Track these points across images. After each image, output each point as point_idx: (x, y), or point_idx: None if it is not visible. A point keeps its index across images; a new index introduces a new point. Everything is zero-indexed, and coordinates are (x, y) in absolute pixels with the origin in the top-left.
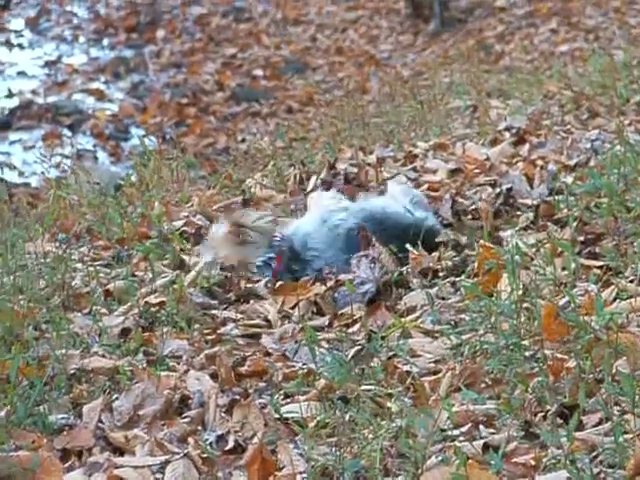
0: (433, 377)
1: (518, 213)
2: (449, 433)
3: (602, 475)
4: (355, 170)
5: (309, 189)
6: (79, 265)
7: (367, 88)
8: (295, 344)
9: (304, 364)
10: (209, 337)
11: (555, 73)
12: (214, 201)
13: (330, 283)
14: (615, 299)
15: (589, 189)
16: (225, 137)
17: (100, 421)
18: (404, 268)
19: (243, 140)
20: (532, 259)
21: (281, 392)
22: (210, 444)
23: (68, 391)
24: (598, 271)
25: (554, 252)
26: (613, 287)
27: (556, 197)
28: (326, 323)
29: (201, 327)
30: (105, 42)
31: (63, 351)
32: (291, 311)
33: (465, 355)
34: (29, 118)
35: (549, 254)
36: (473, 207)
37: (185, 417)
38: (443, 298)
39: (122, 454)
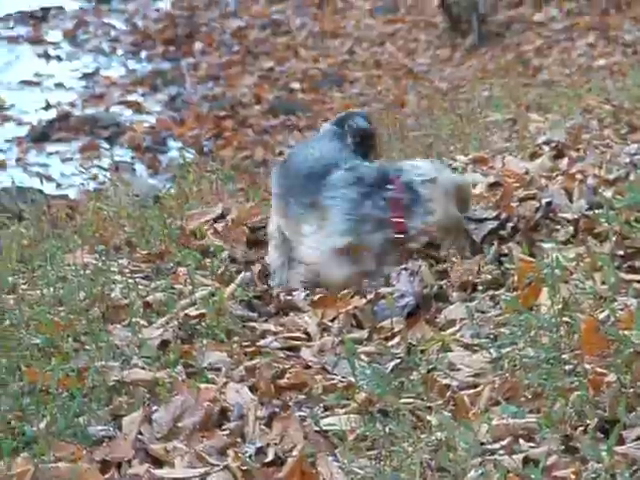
0: (473, 391)
1: (558, 227)
2: (489, 447)
3: None
4: None
5: None
6: (118, 277)
7: (405, 101)
8: (335, 357)
9: (344, 377)
10: (248, 349)
11: (594, 87)
12: (253, 214)
13: (370, 296)
14: None
15: (629, 203)
16: (263, 150)
17: (140, 433)
18: (443, 282)
19: (281, 153)
20: (572, 273)
21: (321, 405)
22: (250, 456)
23: (108, 403)
24: (638, 285)
25: (594, 266)
26: None
27: (596, 211)
28: (365, 336)
29: (240, 339)
30: (143, 54)
31: (103, 363)
32: (330, 324)
33: (505, 369)
34: (67, 130)
35: (589, 268)
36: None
37: (225, 429)
38: (483, 312)
39: (161, 466)
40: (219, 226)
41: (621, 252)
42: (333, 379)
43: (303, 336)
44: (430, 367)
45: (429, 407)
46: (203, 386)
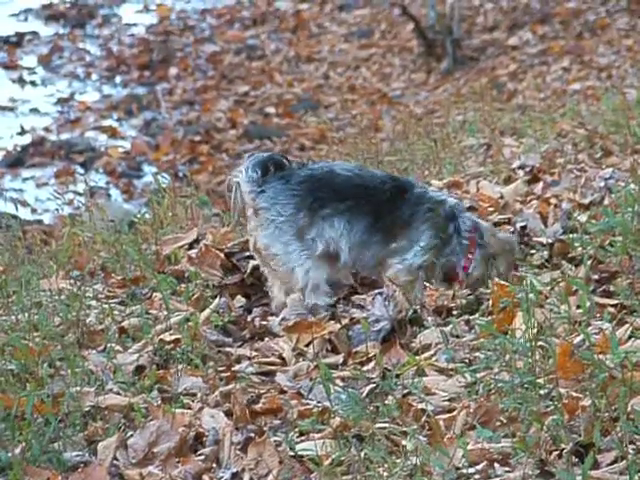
0: (448, 415)
1: (532, 251)
2: (464, 471)
3: None
4: None
5: None
6: (93, 302)
7: (380, 126)
8: (310, 382)
9: (319, 402)
10: (224, 374)
11: (568, 111)
12: (228, 239)
13: (345, 321)
14: (630, 337)
15: (603, 227)
16: None
17: (115, 458)
18: (418, 306)
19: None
20: (547, 297)
21: (296, 430)
22: None
23: (83, 428)
24: (612, 309)
25: (569, 290)
26: (628, 325)
27: (570, 235)
28: (341, 361)
29: (216, 364)
30: (118, 80)
31: (78, 388)
32: (306, 349)
33: (480, 393)
34: (42, 155)
35: (564, 292)
36: None
37: (200, 454)
38: (457, 336)
39: None
40: (194, 251)
41: (596, 276)
42: (308, 404)
43: (278, 361)
44: (405, 392)
45: (404, 432)
46: (178, 411)
